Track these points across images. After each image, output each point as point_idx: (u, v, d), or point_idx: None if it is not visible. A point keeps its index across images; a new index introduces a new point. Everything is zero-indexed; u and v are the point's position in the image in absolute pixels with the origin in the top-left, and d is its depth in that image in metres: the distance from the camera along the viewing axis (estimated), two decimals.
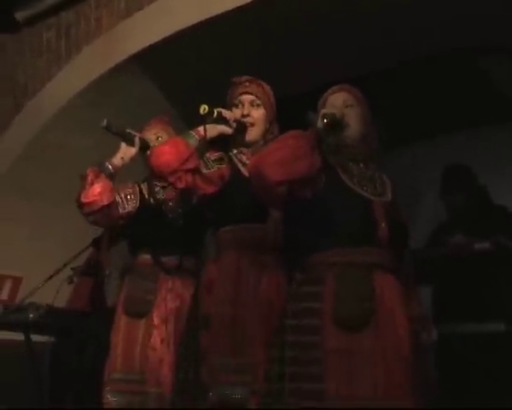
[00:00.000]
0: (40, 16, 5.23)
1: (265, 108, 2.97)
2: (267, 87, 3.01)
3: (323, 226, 2.51)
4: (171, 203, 3.33)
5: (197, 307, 2.85)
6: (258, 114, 2.94)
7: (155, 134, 3.36)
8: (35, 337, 4.21)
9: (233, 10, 4.18)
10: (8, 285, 5.22)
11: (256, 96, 2.95)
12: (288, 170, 2.37)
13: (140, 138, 3.26)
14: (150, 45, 4.56)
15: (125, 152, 3.24)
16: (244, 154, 2.93)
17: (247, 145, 2.95)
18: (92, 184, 3.19)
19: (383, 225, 2.50)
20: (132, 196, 3.33)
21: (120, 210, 3.28)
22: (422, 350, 2.58)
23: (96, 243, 4.11)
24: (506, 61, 4.31)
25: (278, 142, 2.48)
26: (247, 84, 2.97)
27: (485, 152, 4.75)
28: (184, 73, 4.78)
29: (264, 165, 2.38)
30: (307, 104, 2.66)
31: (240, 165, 2.90)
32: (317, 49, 4.51)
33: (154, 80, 4.92)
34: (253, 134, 2.94)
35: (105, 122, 3.22)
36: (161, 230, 3.28)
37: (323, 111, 2.54)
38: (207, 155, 2.85)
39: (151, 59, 4.69)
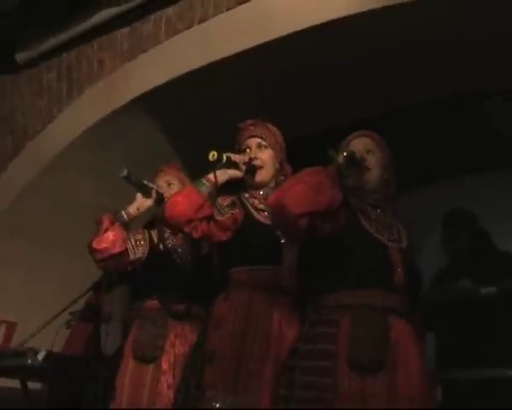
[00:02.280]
0: (41, 57, 5.28)
1: (273, 149, 3.10)
2: (273, 128, 3.15)
3: (340, 268, 2.61)
4: (180, 249, 3.45)
5: (203, 342, 2.96)
6: (265, 155, 3.08)
7: (167, 181, 3.52)
8: (31, 385, 4.21)
9: (238, 54, 4.25)
10: (1, 331, 5.24)
11: (262, 138, 3.09)
12: (310, 202, 2.46)
13: (156, 191, 3.40)
14: (153, 88, 4.61)
15: (142, 203, 3.40)
16: (256, 198, 3.05)
17: (258, 187, 3.08)
18: (106, 231, 3.32)
19: (399, 270, 2.61)
20: (142, 242, 3.44)
21: (131, 256, 3.39)
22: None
23: (96, 286, 4.13)
24: (508, 106, 4.42)
25: (299, 177, 2.58)
26: (253, 127, 3.11)
27: (487, 197, 4.85)
28: (188, 116, 4.83)
29: (286, 197, 2.49)
30: (316, 145, 2.81)
31: (252, 209, 3.02)
32: (320, 93, 4.59)
33: (157, 124, 4.95)
34: (262, 176, 3.07)
35: (125, 172, 3.34)
36: (170, 275, 3.41)
37: (344, 149, 2.68)
38: (219, 200, 2.98)
39: (154, 102, 4.73)
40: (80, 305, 4.42)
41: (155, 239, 3.48)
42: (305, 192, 2.48)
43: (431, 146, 4.87)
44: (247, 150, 3.08)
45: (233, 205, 3.00)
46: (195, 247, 3.34)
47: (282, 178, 3.09)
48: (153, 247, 3.46)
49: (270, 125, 3.15)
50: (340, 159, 2.57)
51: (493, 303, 3.69)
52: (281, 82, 4.49)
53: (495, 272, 3.96)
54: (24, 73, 5.44)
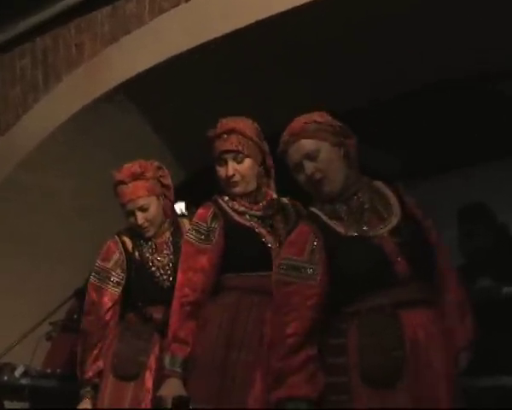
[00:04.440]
0: (13, 41, 5.29)
1: (251, 157, 3.11)
2: (249, 128, 3.12)
3: (336, 282, 2.52)
4: (159, 258, 3.43)
5: None
6: (244, 167, 3.10)
7: (140, 207, 3.40)
8: (9, 405, 4.27)
9: (230, 34, 4.25)
10: None
11: (238, 151, 3.08)
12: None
13: None
14: (138, 74, 4.62)
15: None
16: (236, 201, 3.11)
17: (240, 197, 3.13)
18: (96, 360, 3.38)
19: (399, 258, 2.49)
20: (119, 270, 3.42)
21: (117, 294, 3.42)
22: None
23: (78, 294, 4.21)
24: None
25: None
26: (225, 136, 3.09)
27: (507, 188, 4.85)
28: (177, 104, 4.84)
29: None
30: None
31: (232, 212, 3.09)
32: (316, 77, 4.61)
33: (143, 113, 4.97)
34: (242, 188, 3.11)
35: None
36: (153, 285, 3.39)
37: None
38: (200, 217, 3.08)
39: (139, 89, 4.74)
40: (62, 314, 4.67)
41: (130, 247, 3.45)
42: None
43: (441, 133, 4.88)
44: (223, 163, 3.09)
45: (214, 218, 3.07)
46: (177, 257, 3.29)
47: (265, 180, 3.17)
48: (128, 255, 3.43)
49: (243, 125, 3.12)
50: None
51: None
52: (279, 64, 4.49)
53: None
54: None
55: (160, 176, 3.43)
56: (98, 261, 3.44)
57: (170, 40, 4.48)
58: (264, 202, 3.13)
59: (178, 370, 2.96)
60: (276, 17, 4.07)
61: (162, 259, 3.41)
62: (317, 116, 2.66)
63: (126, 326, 3.39)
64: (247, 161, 3.10)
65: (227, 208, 3.10)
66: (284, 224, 3.11)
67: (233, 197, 3.12)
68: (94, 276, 3.41)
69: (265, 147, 3.16)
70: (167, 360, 2.99)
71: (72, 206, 5.26)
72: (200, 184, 4.55)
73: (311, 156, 2.60)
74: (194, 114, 4.77)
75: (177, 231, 3.44)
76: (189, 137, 4.87)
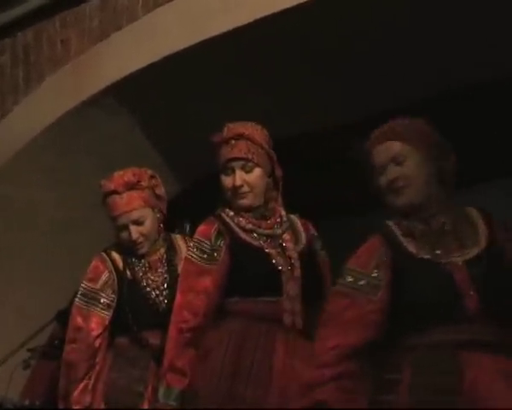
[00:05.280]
0: None
1: (261, 166, 3.07)
2: (258, 134, 3.09)
3: (398, 307, 2.47)
4: (152, 277, 3.37)
5: None
6: (253, 177, 3.05)
7: (135, 221, 3.35)
8: None
9: (231, 32, 4.19)
10: None
11: (246, 160, 3.04)
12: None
13: None
14: (130, 74, 4.55)
15: None
16: (243, 217, 3.05)
17: (247, 211, 3.07)
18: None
19: (471, 292, 2.40)
20: (110, 293, 3.37)
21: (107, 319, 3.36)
22: None
23: (60, 316, 4.08)
24: None
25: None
26: (233, 142, 3.05)
27: None
28: (170, 108, 4.78)
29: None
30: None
31: (238, 229, 3.04)
32: (327, 79, 4.54)
33: (133, 117, 4.89)
34: (250, 200, 3.06)
35: None
36: (145, 306, 3.34)
37: None
38: (202, 234, 3.04)
39: (130, 91, 4.67)
40: (41, 340, 4.46)
41: (120, 266, 3.40)
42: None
43: (479, 139, 4.70)
44: (230, 172, 3.06)
45: (219, 235, 3.02)
46: (173, 277, 3.30)
47: (274, 194, 3.13)
48: (120, 275, 3.38)
49: (252, 131, 3.09)
50: None
51: None
52: (283, 64, 4.43)
53: None
54: None
55: (154, 185, 3.40)
56: (84, 282, 3.38)
57: (165, 37, 4.43)
58: (273, 219, 3.09)
59: (173, 403, 2.91)
60: (281, 14, 4.03)
61: (157, 278, 3.36)
62: (418, 124, 2.64)
63: (118, 353, 3.34)
64: (257, 171, 3.06)
65: (232, 225, 3.05)
66: (294, 244, 3.06)
67: (238, 212, 3.06)
68: (80, 298, 3.36)
69: (274, 156, 3.13)
70: (161, 391, 2.94)
71: (55, 219, 5.19)
72: (197, 197, 4.70)
73: (398, 160, 2.56)
74: (192, 120, 4.74)
75: (170, 247, 3.41)
76: (186, 144, 4.87)
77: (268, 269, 2.96)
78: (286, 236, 3.04)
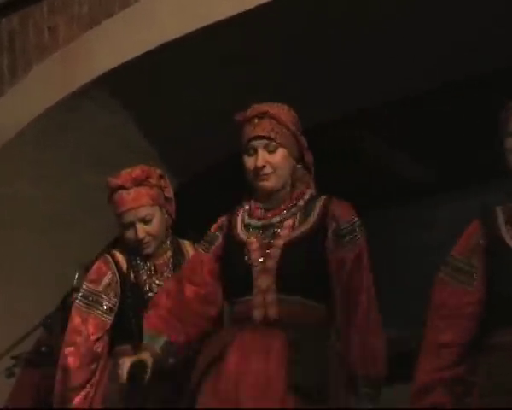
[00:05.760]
0: None
1: (286, 147, 2.98)
2: (285, 114, 3.03)
3: (490, 299, 2.47)
4: (158, 282, 3.33)
5: None
6: (277, 158, 2.96)
7: (141, 218, 3.31)
8: None
9: (232, 18, 4.16)
10: None
11: (269, 139, 2.96)
12: None
13: None
14: (122, 64, 4.50)
15: None
16: (251, 209, 3.00)
17: (269, 194, 2.99)
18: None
19: None
20: (112, 297, 3.33)
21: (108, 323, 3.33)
22: None
23: (47, 322, 4.03)
24: None
25: None
26: (256, 121, 2.98)
27: None
28: (166, 100, 4.75)
29: None
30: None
31: (239, 225, 3.00)
32: (336, 70, 4.55)
33: (126, 109, 4.84)
34: (272, 182, 2.96)
35: None
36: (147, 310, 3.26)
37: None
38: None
39: (123, 82, 4.62)
40: (27, 346, 4.39)
41: (124, 266, 3.35)
42: None
43: (483, 138, 4.34)
44: (252, 152, 2.96)
45: (220, 228, 3.04)
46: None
47: (303, 172, 3.02)
48: (122, 276, 3.33)
49: (278, 110, 3.01)
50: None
51: None
52: (284, 53, 4.41)
53: None
54: None
55: (163, 186, 3.35)
56: (86, 283, 3.34)
57: (161, 24, 4.40)
58: (286, 204, 2.97)
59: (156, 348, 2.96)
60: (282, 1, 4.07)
61: (162, 282, 3.31)
62: None
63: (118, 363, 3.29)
64: (281, 152, 2.95)
65: (237, 220, 3.02)
66: (294, 229, 2.94)
67: (256, 200, 3.01)
68: (80, 300, 3.31)
69: (303, 140, 3.03)
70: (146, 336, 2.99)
71: (44, 217, 5.14)
72: (194, 194, 4.71)
73: None
74: (190, 112, 4.73)
75: (177, 251, 3.36)
76: (183, 138, 4.87)
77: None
78: (288, 222, 2.94)
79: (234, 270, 2.95)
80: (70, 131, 4.85)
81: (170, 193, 3.36)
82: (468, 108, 4.70)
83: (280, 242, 2.88)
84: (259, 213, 2.99)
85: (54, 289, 4.77)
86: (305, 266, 2.87)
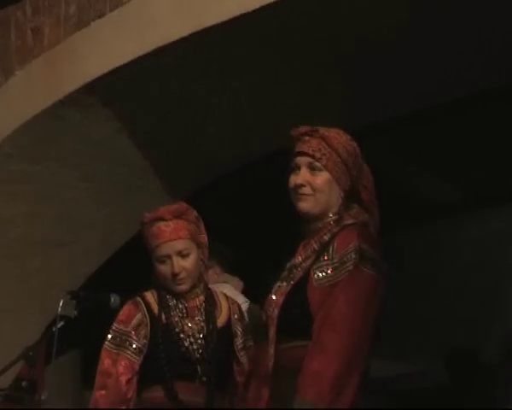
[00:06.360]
0: None
1: (331, 171, 2.97)
2: (338, 140, 3.02)
3: None
4: (190, 324, 3.34)
5: None
6: (318, 180, 2.95)
7: (178, 251, 3.33)
8: None
9: (235, 19, 4.04)
10: None
11: (314, 158, 2.96)
12: None
13: None
14: (114, 69, 4.40)
15: None
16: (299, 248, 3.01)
17: (308, 222, 2.98)
18: None
19: None
20: (142, 338, 3.33)
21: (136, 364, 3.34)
22: None
23: (28, 354, 3.79)
24: None
25: None
26: (307, 138, 3.00)
27: None
28: (163, 109, 4.70)
29: None
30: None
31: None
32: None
33: (118, 119, 4.75)
34: (311, 204, 2.94)
35: None
36: (177, 355, 3.30)
37: None
38: None
39: (114, 89, 4.55)
40: (6, 381, 4.40)
41: (155, 308, 3.37)
42: None
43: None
44: (297, 170, 2.98)
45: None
46: (212, 325, 3.30)
47: (359, 211, 2.99)
48: (154, 319, 3.35)
49: (331, 134, 3.02)
50: None
51: None
52: (291, 56, 4.34)
53: None
54: None
55: (200, 229, 3.40)
56: (115, 324, 3.38)
57: (156, 25, 4.31)
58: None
59: None
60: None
61: (194, 326, 3.34)
62: None
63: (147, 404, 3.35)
64: (325, 175, 2.96)
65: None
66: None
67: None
68: (109, 341, 3.34)
69: (361, 175, 3.01)
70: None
71: (24, 238, 5.11)
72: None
73: None
74: (188, 122, 4.69)
75: (210, 298, 3.38)
76: (180, 153, 4.84)
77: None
78: (307, 263, 2.92)
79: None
80: (55, 143, 4.80)
81: (205, 239, 3.40)
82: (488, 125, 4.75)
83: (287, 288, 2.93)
84: (299, 251, 2.99)
85: (35, 318, 4.84)
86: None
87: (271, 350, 2.88)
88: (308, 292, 2.85)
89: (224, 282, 4.16)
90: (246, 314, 3.51)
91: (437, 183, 5.44)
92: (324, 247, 2.94)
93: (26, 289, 5.16)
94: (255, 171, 4.85)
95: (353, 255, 2.84)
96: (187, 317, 3.35)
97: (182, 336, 3.30)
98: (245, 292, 4.13)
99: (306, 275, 2.88)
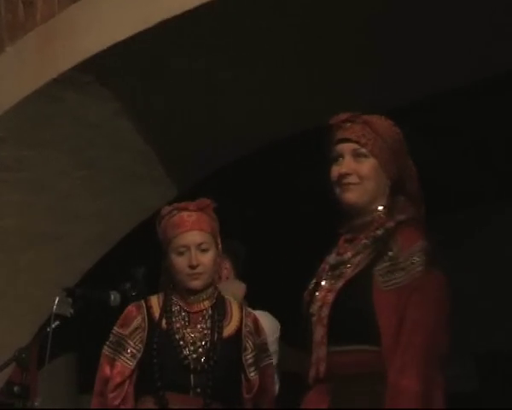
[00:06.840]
0: None
1: (377, 158, 2.91)
2: (382, 125, 2.98)
3: None
4: (192, 332, 3.33)
5: None
6: (365, 168, 2.90)
7: (198, 244, 3.34)
8: None
9: None
10: None
11: (359, 144, 2.91)
12: None
13: None
14: (113, 45, 4.29)
15: None
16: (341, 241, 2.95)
17: (354, 215, 2.91)
18: None
19: None
20: (137, 342, 3.36)
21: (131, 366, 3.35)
22: None
23: (20, 356, 3.82)
24: None
25: None
26: (348, 125, 2.95)
27: None
28: (166, 88, 4.60)
29: None
30: None
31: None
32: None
33: (117, 99, 4.67)
34: (356, 194, 2.88)
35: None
36: (173, 363, 3.29)
37: None
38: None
39: (114, 66, 4.45)
40: None
41: (157, 315, 3.39)
42: None
43: None
44: (339, 159, 2.91)
45: None
46: (218, 336, 3.28)
47: (405, 203, 2.92)
48: (153, 324, 3.37)
49: (375, 119, 2.97)
50: None
51: None
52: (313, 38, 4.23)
53: None
54: None
55: (218, 231, 3.42)
56: (115, 327, 3.42)
57: None
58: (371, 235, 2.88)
59: None
60: None
61: (196, 333, 3.36)
62: None
63: None
64: (371, 162, 2.90)
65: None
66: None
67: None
68: (108, 345, 3.38)
69: (408, 164, 2.95)
70: None
71: (16, 229, 5.07)
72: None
73: None
74: (192, 104, 4.60)
75: (219, 306, 3.38)
76: (185, 136, 4.78)
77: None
78: (357, 258, 2.84)
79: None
80: (49, 126, 4.74)
81: (220, 243, 3.42)
82: None
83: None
84: (342, 246, 2.94)
85: (28, 318, 4.86)
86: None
87: (321, 353, 2.80)
88: (373, 295, 2.76)
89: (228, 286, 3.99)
90: (270, 336, 3.53)
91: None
92: (380, 243, 2.85)
93: (18, 286, 5.17)
94: (268, 157, 4.75)
95: (421, 256, 2.76)
96: (189, 324, 3.37)
97: (181, 343, 3.29)
98: (247, 289, 4.03)
99: (365, 274, 2.80)
